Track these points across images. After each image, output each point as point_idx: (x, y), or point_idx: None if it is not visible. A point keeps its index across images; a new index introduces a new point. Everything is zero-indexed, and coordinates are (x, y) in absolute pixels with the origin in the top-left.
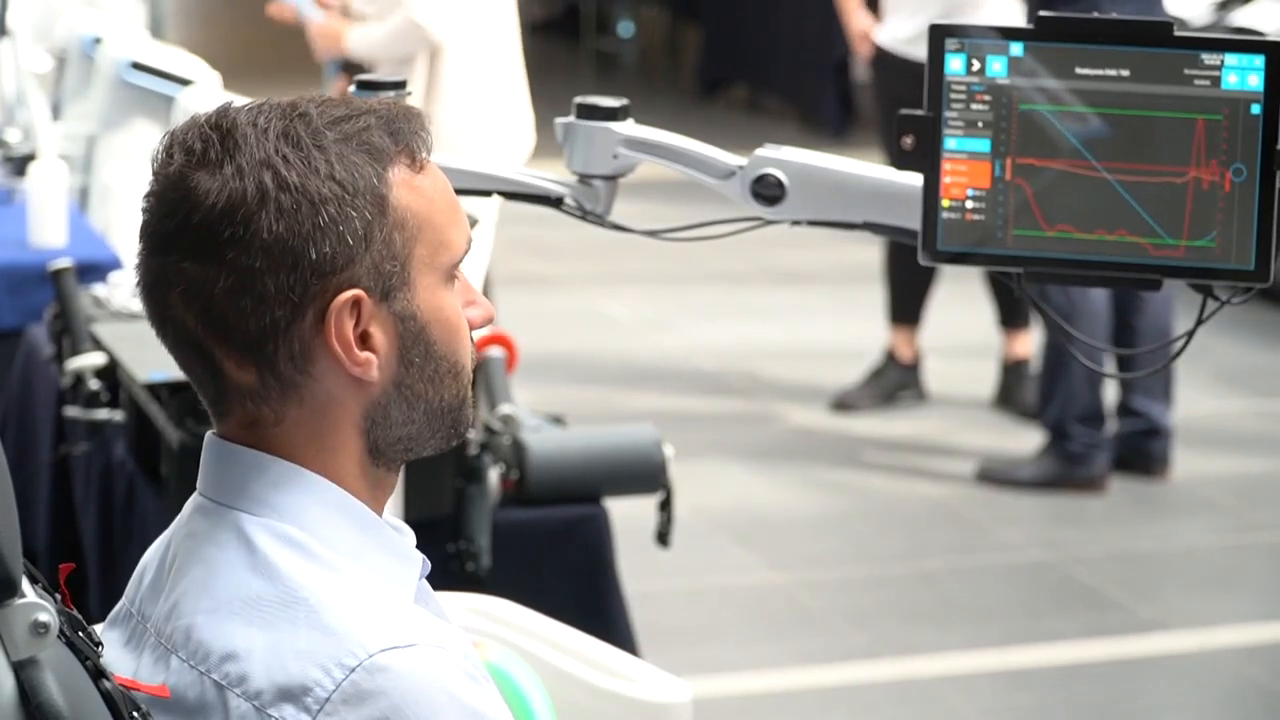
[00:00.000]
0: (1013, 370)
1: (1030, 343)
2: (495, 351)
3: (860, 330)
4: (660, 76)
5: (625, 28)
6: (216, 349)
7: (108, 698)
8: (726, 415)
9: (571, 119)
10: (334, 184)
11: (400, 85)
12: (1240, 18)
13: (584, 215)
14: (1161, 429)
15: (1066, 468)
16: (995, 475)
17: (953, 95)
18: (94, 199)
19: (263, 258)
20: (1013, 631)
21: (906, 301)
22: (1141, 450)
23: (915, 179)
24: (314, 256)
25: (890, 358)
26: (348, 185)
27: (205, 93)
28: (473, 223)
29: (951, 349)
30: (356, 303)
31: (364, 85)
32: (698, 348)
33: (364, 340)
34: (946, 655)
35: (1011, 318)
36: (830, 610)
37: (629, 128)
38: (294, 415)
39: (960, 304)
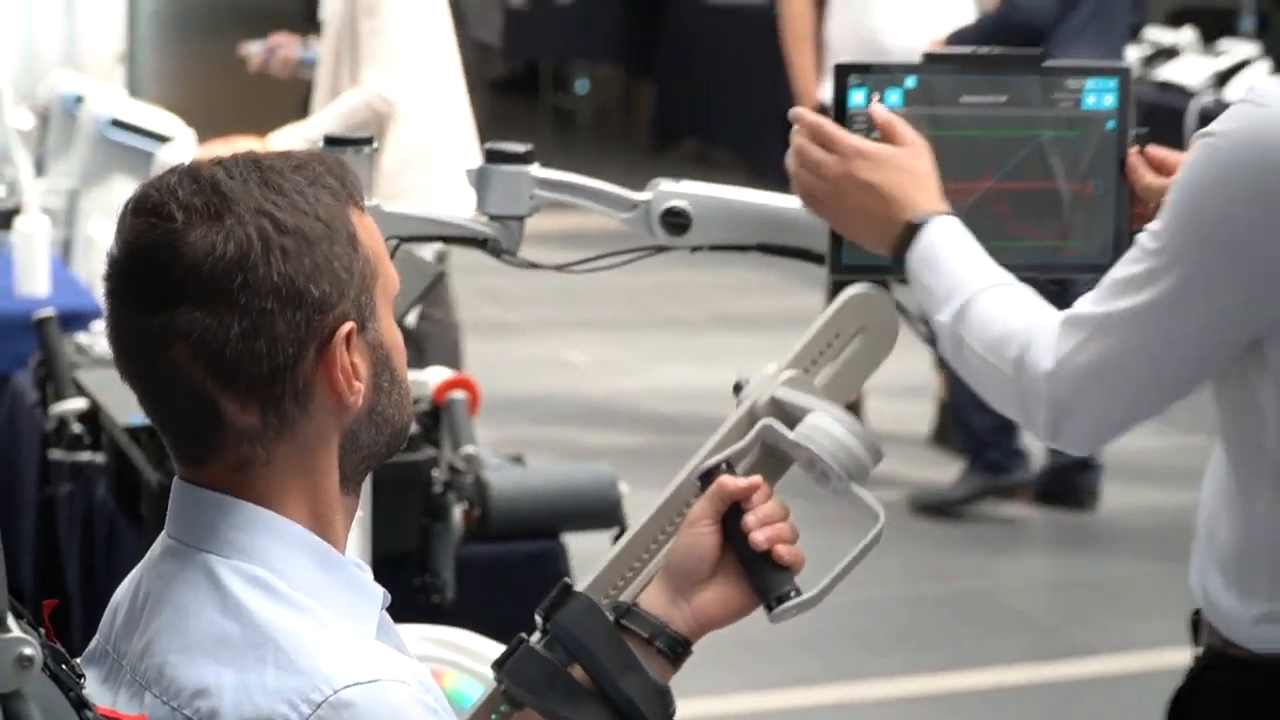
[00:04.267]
0: (949, 409)
1: None
2: (458, 394)
3: None
4: (615, 131)
5: (581, 85)
6: (221, 396)
7: None
8: (679, 453)
9: (484, 165)
10: (320, 224)
11: (368, 141)
12: (1166, 71)
13: (498, 254)
14: (1091, 463)
15: (991, 478)
16: (928, 502)
17: (855, 125)
18: (76, 251)
19: (274, 299)
20: (952, 657)
21: None
22: (1073, 483)
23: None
24: (315, 294)
25: None
26: (330, 224)
27: (182, 148)
28: (439, 276)
29: (891, 390)
30: (349, 334)
31: (331, 141)
32: (651, 390)
33: (354, 369)
34: (889, 680)
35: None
36: (778, 638)
37: (540, 170)
38: (283, 453)
39: (899, 347)
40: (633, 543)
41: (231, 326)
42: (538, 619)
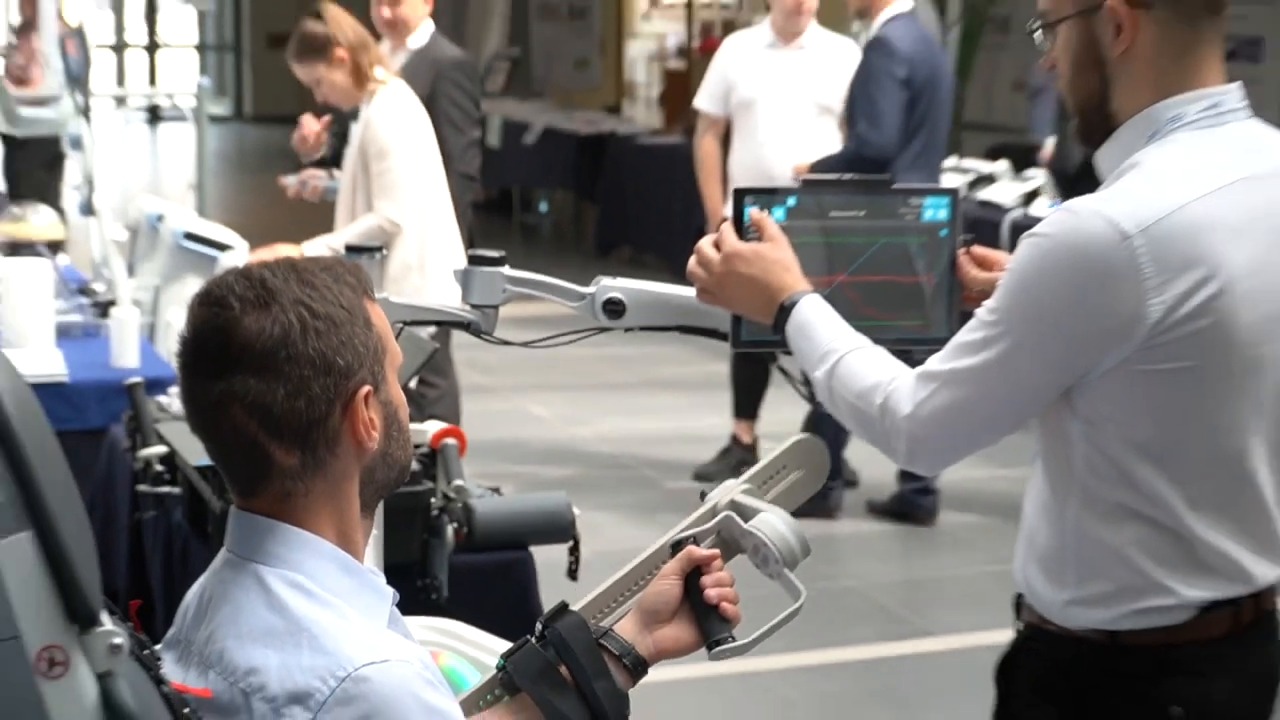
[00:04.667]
0: None
1: None
2: (450, 441)
3: (715, 422)
4: (568, 241)
5: (543, 206)
6: (270, 443)
7: (166, 699)
8: (619, 484)
9: (467, 266)
10: (344, 311)
11: (379, 250)
12: (985, 193)
13: (479, 334)
14: (932, 488)
15: (811, 501)
16: None
17: (750, 235)
18: (159, 333)
19: (310, 368)
20: (825, 637)
21: (746, 401)
22: (917, 504)
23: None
24: (341, 364)
25: (735, 441)
26: (351, 310)
27: (238, 255)
28: (434, 351)
29: (779, 434)
30: (367, 395)
31: (351, 249)
32: (599, 436)
33: (371, 422)
34: (776, 655)
35: None
36: None
37: (511, 270)
38: (319, 488)
39: (786, 403)
40: (616, 585)
41: (278, 390)
42: (539, 626)
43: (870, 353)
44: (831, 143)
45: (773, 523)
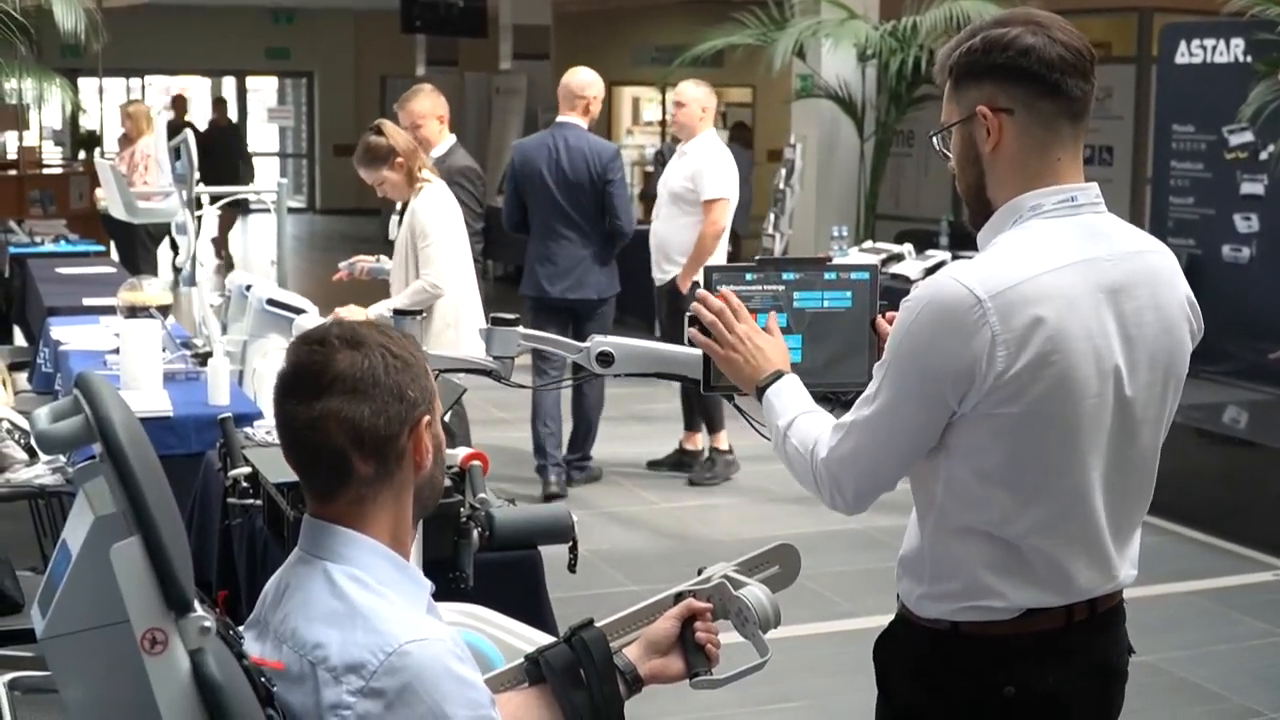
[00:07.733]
0: (716, 454)
1: (701, 440)
2: (476, 463)
3: (676, 442)
4: None
5: None
6: (354, 453)
7: (246, 671)
8: (606, 495)
9: (490, 326)
10: (412, 357)
11: (420, 312)
12: (895, 268)
13: (499, 379)
14: (585, 467)
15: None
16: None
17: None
18: (246, 379)
19: (388, 395)
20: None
21: (692, 418)
22: (583, 469)
23: (684, 349)
24: (411, 396)
25: (680, 447)
26: (418, 357)
27: (310, 318)
28: (461, 390)
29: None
30: (427, 423)
31: (399, 312)
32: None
33: (429, 444)
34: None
35: (712, 424)
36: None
37: (523, 329)
38: (384, 496)
39: (733, 422)
40: (628, 617)
41: (365, 409)
42: (568, 630)
43: (815, 415)
44: (682, 221)
45: (757, 594)
